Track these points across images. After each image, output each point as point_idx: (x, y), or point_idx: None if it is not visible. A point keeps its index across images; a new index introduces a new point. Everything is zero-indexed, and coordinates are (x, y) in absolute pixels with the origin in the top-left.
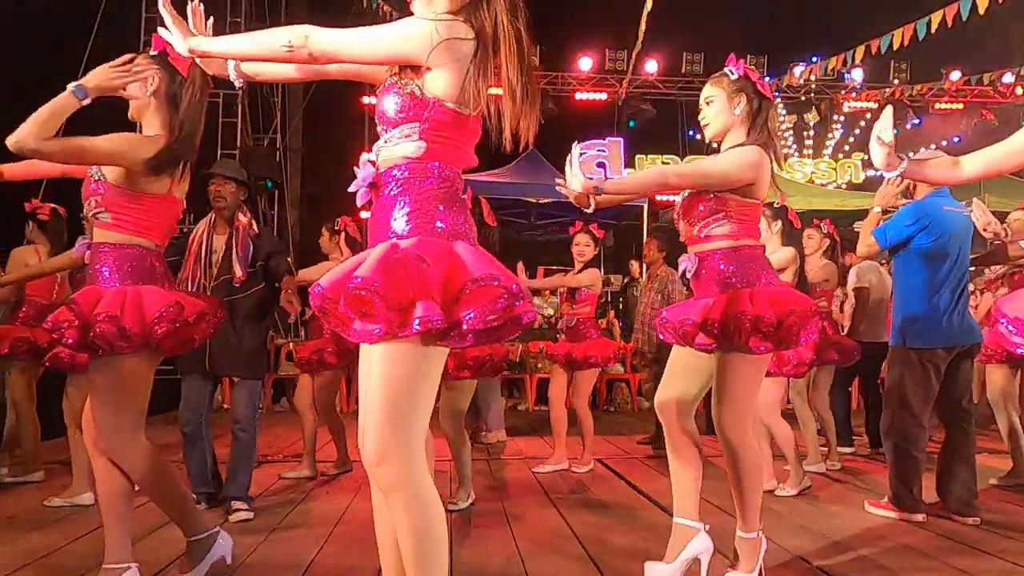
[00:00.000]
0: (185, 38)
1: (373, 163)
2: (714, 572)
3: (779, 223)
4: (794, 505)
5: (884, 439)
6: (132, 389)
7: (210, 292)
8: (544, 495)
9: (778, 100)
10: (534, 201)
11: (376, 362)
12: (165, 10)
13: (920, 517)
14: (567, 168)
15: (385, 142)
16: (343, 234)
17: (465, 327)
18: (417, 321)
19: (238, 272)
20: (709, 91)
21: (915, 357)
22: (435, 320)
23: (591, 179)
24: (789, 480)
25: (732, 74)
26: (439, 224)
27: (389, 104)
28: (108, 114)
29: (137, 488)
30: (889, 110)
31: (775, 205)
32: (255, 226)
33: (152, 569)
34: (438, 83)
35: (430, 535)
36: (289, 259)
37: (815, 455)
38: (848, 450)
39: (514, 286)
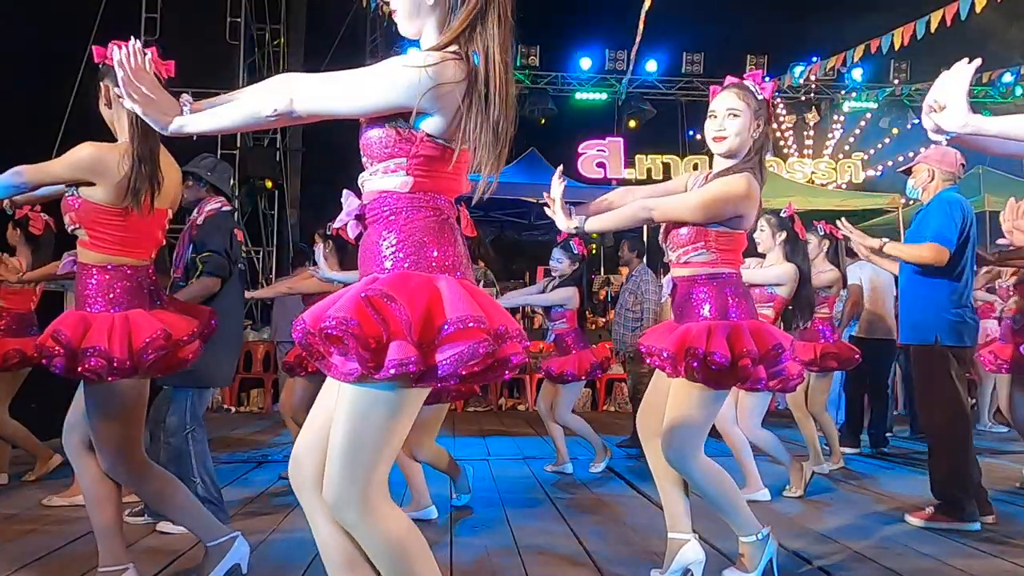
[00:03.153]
0: (164, 123)
1: (357, 194)
2: (714, 572)
3: (784, 233)
4: (794, 505)
5: (940, 444)
6: (127, 411)
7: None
8: (544, 495)
9: (778, 100)
10: (534, 201)
11: (345, 403)
12: (130, 89)
13: (978, 525)
14: (552, 206)
15: (371, 175)
16: (332, 240)
17: (440, 372)
18: (391, 364)
19: (176, 270)
20: (735, 103)
21: (950, 355)
22: (409, 363)
23: (572, 220)
24: (792, 481)
25: (758, 94)
26: (428, 257)
27: (374, 135)
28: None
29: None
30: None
31: (782, 215)
32: (201, 218)
33: (151, 570)
34: (427, 122)
35: (405, 566)
36: (212, 255)
37: (816, 456)
38: (853, 450)
39: (501, 327)
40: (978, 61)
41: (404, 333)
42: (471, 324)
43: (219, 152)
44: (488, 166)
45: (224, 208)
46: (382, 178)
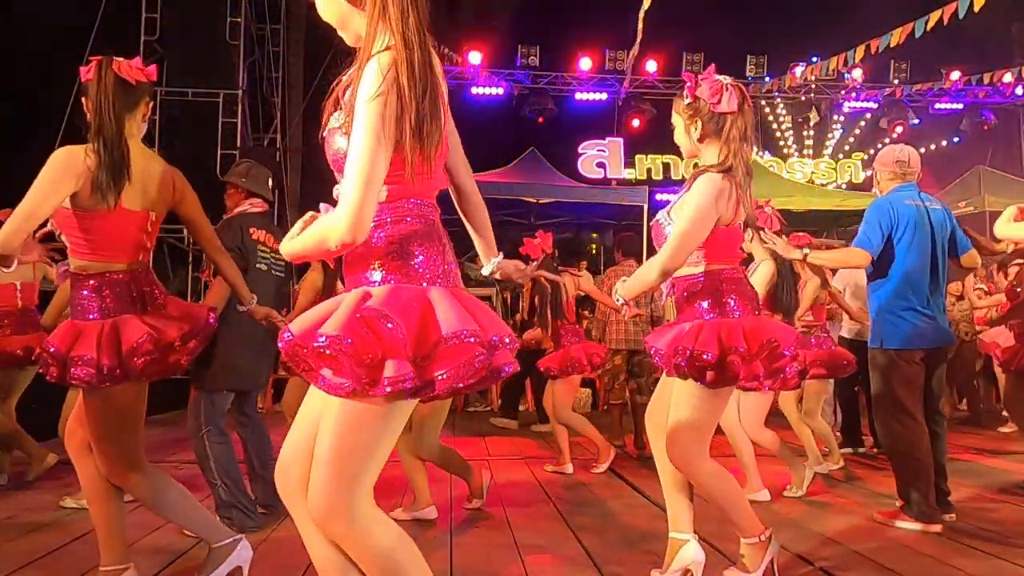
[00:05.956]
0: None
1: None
2: (715, 572)
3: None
4: (795, 505)
5: (886, 447)
6: (123, 415)
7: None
8: (544, 495)
9: (778, 100)
10: (534, 201)
11: (334, 415)
12: None
13: (938, 527)
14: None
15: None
16: None
17: (437, 388)
18: (387, 382)
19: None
20: (673, 116)
21: (895, 358)
22: (407, 381)
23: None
24: (793, 481)
25: (685, 98)
26: (414, 268)
27: (340, 147)
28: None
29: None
30: None
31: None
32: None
33: (152, 569)
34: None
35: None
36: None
37: (815, 457)
38: (850, 451)
39: (494, 337)
40: None
41: (399, 351)
42: (468, 339)
43: (219, 152)
44: (413, 151)
45: (251, 210)
46: None
